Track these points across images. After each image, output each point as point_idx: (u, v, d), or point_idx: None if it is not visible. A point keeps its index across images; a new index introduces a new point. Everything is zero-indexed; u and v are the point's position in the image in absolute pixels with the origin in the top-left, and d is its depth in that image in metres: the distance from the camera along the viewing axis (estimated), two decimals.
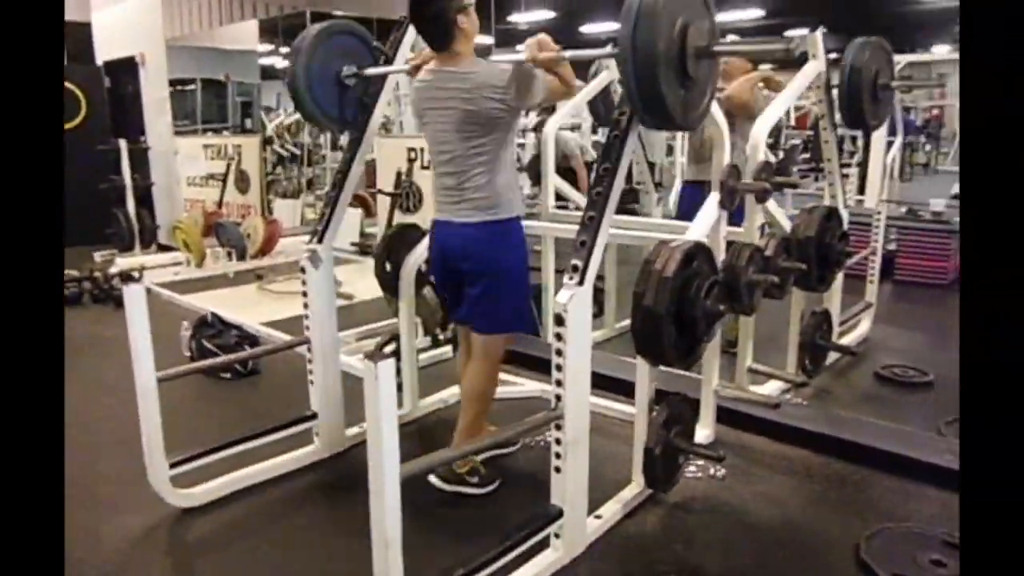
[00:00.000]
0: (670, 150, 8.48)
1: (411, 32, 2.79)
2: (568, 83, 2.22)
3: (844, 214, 3.11)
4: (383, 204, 5.33)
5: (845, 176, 4.40)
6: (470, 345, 2.54)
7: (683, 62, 1.76)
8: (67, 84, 7.32)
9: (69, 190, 6.10)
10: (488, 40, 6.21)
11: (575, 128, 7.87)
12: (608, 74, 4.05)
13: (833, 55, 3.21)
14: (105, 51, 7.82)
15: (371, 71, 2.64)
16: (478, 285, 2.35)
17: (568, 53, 2.12)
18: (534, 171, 5.13)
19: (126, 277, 5.21)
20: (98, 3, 7.74)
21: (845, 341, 3.69)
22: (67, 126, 7.32)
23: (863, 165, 6.61)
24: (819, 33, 3.11)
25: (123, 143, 6.47)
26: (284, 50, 7.85)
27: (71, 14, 8.09)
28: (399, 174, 5.10)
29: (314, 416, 2.69)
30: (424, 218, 4.50)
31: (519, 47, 2.24)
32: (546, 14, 9.29)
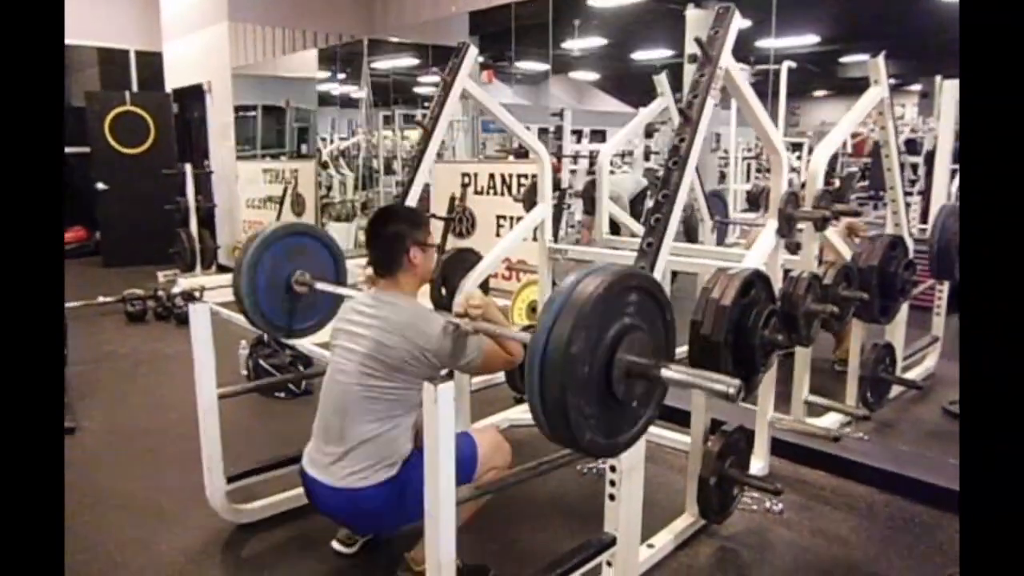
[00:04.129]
0: (723, 177, 8.40)
1: (469, 58, 2.85)
2: (512, 353, 1.96)
3: (910, 243, 3.03)
4: (436, 228, 5.40)
5: (907, 204, 4.28)
6: None
7: (608, 380, 1.38)
8: (138, 110, 7.68)
9: (138, 211, 6.33)
10: (544, 67, 6.27)
11: (625, 155, 7.87)
12: (662, 100, 4.06)
13: (893, 80, 3.14)
14: (175, 79, 8.18)
15: (321, 286, 2.41)
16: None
17: (500, 328, 1.91)
18: (588, 198, 5.13)
19: (188, 297, 5.38)
20: (169, 34, 8.12)
21: (910, 375, 3.56)
22: (137, 150, 7.68)
23: (926, 193, 6.43)
24: (881, 58, 3.05)
25: (188, 167, 6.71)
26: (341, 76, 8.06)
27: (145, 44, 8.51)
28: (453, 199, 5.17)
29: None
30: (477, 242, 4.53)
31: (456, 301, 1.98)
32: (599, 41, 9.36)
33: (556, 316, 1.30)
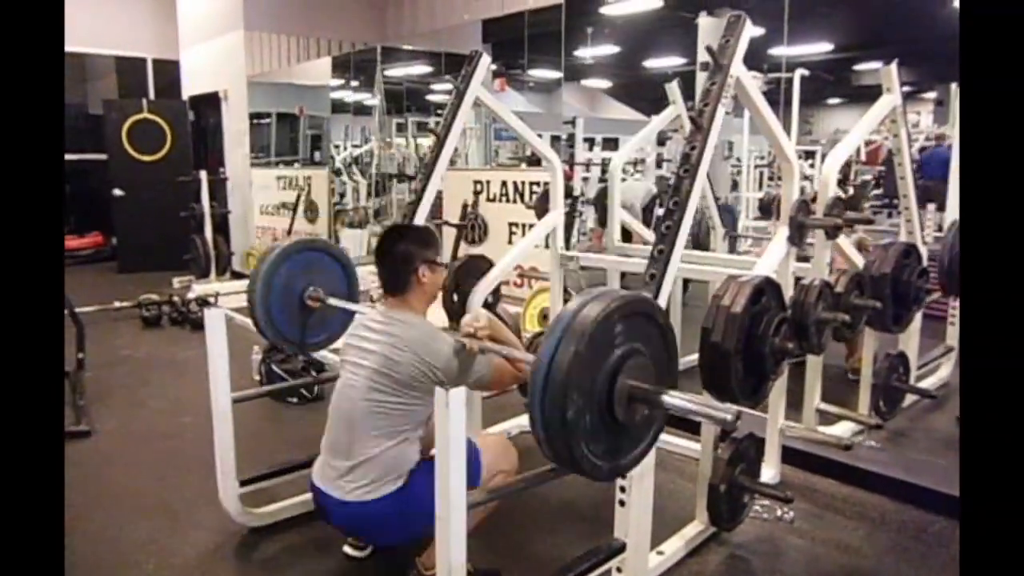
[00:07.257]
0: (735, 185, 8.37)
1: (482, 66, 2.87)
2: (520, 370, 2.00)
3: (923, 251, 3.01)
4: (448, 235, 5.42)
5: (921, 213, 4.27)
6: None
7: (610, 404, 1.39)
8: (155, 118, 7.77)
9: (154, 217, 6.41)
10: (557, 74, 6.30)
11: (637, 163, 7.88)
12: (674, 108, 4.06)
13: (907, 88, 3.14)
14: (191, 87, 8.27)
15: (334, 302, 2.43)
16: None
17: (506, 349, 1.93)
18: (601, 206, 5.14)
19: (203, 302, 5.43)
20: (186, 43, 8.22)
21: (924, 385, 3.54)
22: (153, 157, 7.77)
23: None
24: (893, 66, 3.04)
25: (203, 174, 6.78)
26: (354, 84, 8.12)
27: (162, 53, 8.62)
28: (465, 206, 5.19)
29: None
30: (489, 249, 4.54)
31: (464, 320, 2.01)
32: (611, 49, 9.38)
33: (557, 344, 1.32)
